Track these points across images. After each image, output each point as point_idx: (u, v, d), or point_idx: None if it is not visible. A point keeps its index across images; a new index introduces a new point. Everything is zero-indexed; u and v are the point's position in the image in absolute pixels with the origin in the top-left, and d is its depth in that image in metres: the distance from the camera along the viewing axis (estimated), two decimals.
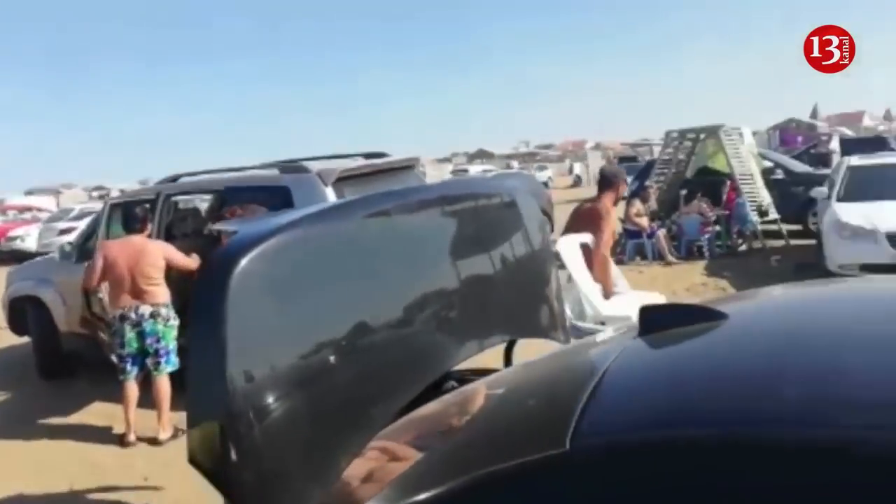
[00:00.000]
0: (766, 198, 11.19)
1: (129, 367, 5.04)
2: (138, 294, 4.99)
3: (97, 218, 6.88)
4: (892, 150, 19.92)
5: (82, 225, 12.41)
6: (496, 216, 2.41)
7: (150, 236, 5.45)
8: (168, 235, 6.07)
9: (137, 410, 5.11)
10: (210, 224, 5.77)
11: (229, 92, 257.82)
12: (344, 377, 1.59)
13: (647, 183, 12.51)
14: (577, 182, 36.66)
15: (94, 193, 45.75)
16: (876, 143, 22.24)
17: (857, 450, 0.97)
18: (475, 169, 29.48)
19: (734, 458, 1.01)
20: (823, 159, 18.58)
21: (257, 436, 1.36)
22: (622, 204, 9.50)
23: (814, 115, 54.43)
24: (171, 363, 5.06)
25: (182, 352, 5.04)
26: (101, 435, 5.31)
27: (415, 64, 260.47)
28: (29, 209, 27.50)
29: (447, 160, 62.82)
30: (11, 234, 19.78)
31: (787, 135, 32.70)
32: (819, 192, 9.68)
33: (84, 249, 6.51)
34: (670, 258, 10.88)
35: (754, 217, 10.93)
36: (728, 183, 11.63)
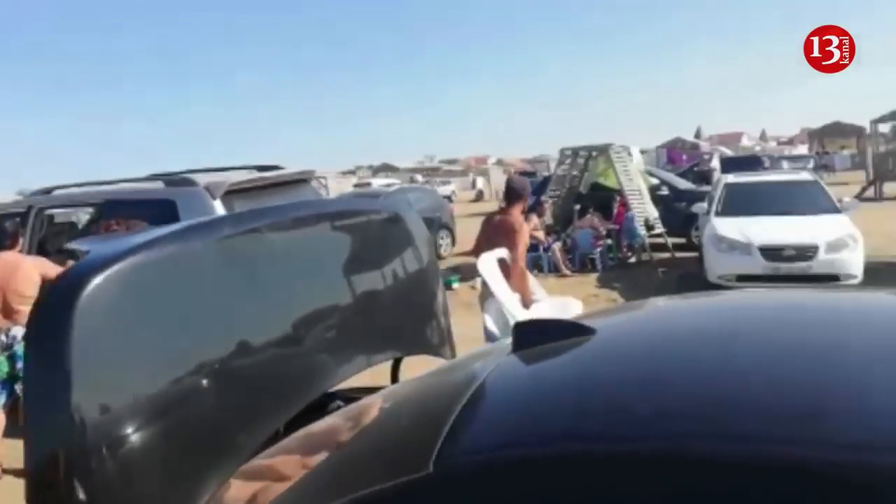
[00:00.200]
0: (652, 212, 11.77)
1: None
2: (9, 314, 4.65)
3: None
4: (766, 168, 21.68)
5: None
6: (379, 233, 2.40)
7: (21, 252, 5.10)
8: (41, 251, 5.71)
9: (5, 440, 4.71)
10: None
11: (116, 96, 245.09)
12: (211, 402, 1.53)
13: (543, 198, 12.91)
14: (480, 196, 37.53)
15: None
16: (752, 162, 24.12)
17: (718, 460, 1.00)
18: (379, 182, 29.40)
19: (598, 473, 1.03)
20: (705, 176, 19.84)
21: (111, 470, 1.28)
22: None
23: (698, 135, 58.23)
24: None
25: None
26: None
27: (318, 73, 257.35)
28: None
29: (351, 173, 62.32)
30: None
31: (673, 153, 34.61)
32: (699, 207, 10.33)
33: None
34: (565, 271, 11.25)
35: (642, 231, 11.48)
36: (618, 198, 12.18)
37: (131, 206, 5.33)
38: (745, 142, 65.51)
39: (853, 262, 8.01)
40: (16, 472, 4.64)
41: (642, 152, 17.05)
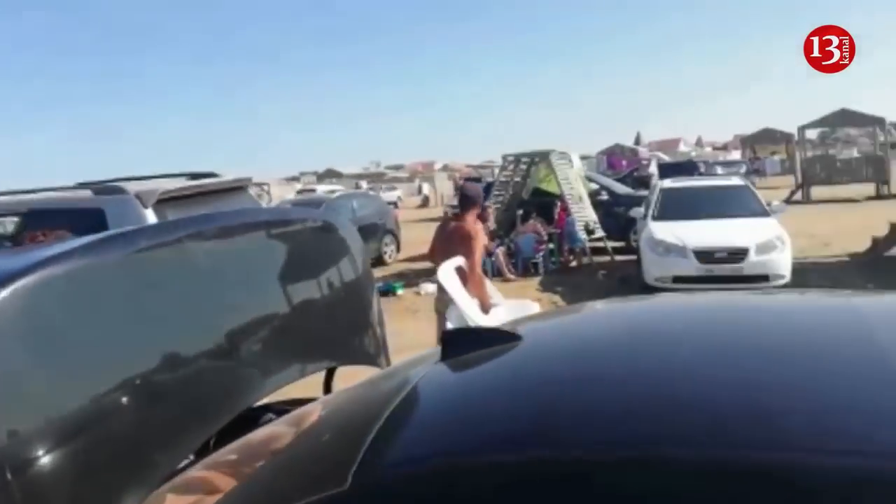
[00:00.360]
0: (592, 217, 12.01)
1: None
2: None
3: None
4: (701, 173, 22.40)
5: None
6: (311, 242, 2.37)
7: None
8: None
9: None
10: None
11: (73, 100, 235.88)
12: (129, 419, 1.49)
13: (487, 203, 13.00)
14: (426, 202, 37.48)
15: None
16: (688, 167, 24.86)
17: (643, 461, 1.01)
18: (323, 188, 29.14)
19: (520, 483, 1.02)
20: (644, 181, 20.40)
21: (17, 495, 1.22)
22: None
23: (637, 140, 59.90)
24: None
25: None
26: None
27: (258, 78, 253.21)
28: None
29: (296, 179, 61.58)
30: None
31: (613, 158, 35.48)
32: (637, 211, 10.59)
33: None
34: (509, 275, 11.35)
35: (583, 235, 11.70)
36: (559, 204, 12.38)
37: (57, 215, 5.09)
38: (682, 147, 67.70)
39: (782, 263, 8.32)
40: None
41: (583, 158, 17.42)
